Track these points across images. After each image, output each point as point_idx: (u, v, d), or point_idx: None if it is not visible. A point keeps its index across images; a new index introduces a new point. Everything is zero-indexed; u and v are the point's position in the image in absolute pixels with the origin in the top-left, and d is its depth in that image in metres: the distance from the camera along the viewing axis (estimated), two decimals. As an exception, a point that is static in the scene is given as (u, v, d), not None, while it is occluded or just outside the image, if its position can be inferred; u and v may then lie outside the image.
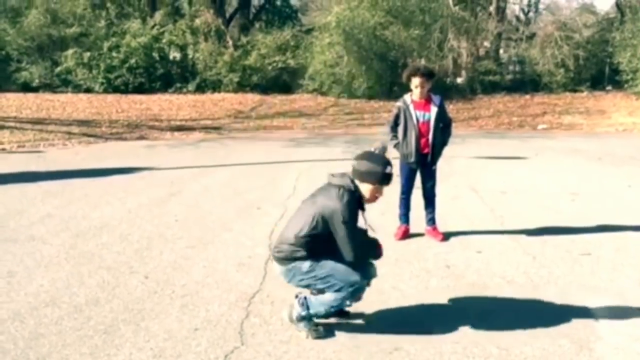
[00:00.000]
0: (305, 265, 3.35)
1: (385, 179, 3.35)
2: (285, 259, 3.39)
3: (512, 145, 12.19)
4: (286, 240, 3.39)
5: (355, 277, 3.32)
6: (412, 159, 5.21)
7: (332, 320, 3.57)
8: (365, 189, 3.37)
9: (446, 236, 5.36)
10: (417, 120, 5.15)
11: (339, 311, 3.54)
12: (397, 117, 5.23)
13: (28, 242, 5.30)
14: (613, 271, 4.49)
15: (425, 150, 5.23)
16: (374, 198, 3.42)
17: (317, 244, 3.33)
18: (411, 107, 5.15)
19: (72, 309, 3.82)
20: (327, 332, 3.45)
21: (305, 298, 3.43)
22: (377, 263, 3.61)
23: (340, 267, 3.33)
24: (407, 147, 5.21)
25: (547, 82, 21.03)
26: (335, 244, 3.31)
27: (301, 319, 3.43)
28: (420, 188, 5.45)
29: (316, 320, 3.47)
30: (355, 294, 3.36)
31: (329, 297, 3.36)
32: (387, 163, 3.35)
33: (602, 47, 21.55)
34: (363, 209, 3.45)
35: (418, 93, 5.12)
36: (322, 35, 20.63)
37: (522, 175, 8.72)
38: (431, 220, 5.44)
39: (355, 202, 3.34)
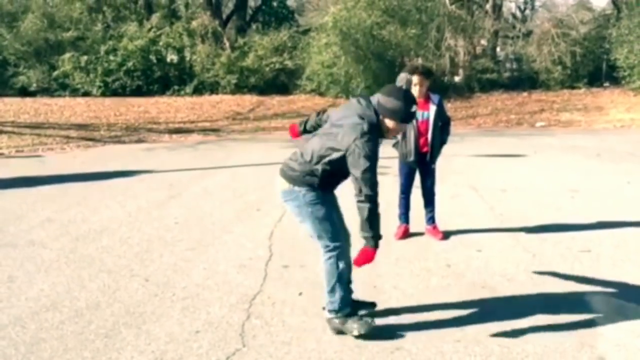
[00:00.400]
0: (310, 195, 3.33)
1: (409, 117, 3.34)
2: (293, 179, 3.37)
3: (510, 143, 12.20)
4: (301, 160, 3.37)
5: (340, 241, 3.40)
6: (412, 158, 5.21)
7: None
8: (387, 123, 3.29)
9: (446, 235, 5.37)
10: (416, 120, 5.15)
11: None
12: None
13: (28, 247, 5.29)
14: (613, 268, 4.50)
15: (424, 149, 5.23)
16: (395, 133, 3.41)
17: (330, 177, 3.33)
18: None
19: (73, 313, 3.82)
20: (373, 320, 3.46)
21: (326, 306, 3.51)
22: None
23: (337, 222, 3.41)
24: (406, 146, 5.21)
25: (545, 79, 21.05)
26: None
27: (339, 318, 3.45)
28: (419, 187, 5.44)
29: (360, 313, 3.52)
30: (340, 258, 3.40)
31: (327, 271, 3.42)
32: (413, 102, 3.30)
33: (599, 43, 21.57)
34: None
35: (417, 92, 5.11)
36: (319, 35, 20.62)
37: (522, 172, 8.73)
38: (431, 219, 5.45)
39: (377, 136, 3.24)
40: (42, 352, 3.30)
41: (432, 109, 5.18)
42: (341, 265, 3.41)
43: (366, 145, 3.12)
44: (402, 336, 3.40)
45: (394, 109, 3.24)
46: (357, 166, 3.13)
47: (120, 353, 3.28)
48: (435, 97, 5.24)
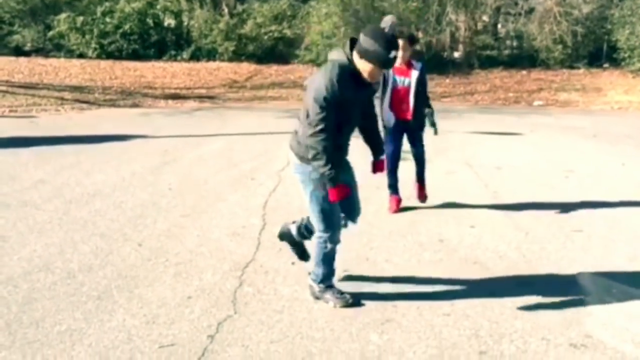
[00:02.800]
0: (315, 174, 3.27)
1: (388, 63, 3.13)
2: (300, 156, 3.34)
3: (507, 121, 12.17)
4: (299, 130, 3.31)
5: (331, 231, 3.39)
6: (391, 124, 5.18)
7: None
8: (365, 66, 3.11)
9: (426, 197, 5.47)
10: (396, 85, 5.13)
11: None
12: (383, 79, 5.11)
13: (21, 208, 5.27)
14: (604, 248, 4.53)
15: (408, 116, 5.20)
16: (372, 78, 3.18)
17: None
18: (391, 72, 5.09)
19: (66, 275, 3.82)
20: (354, 300, 3.47)
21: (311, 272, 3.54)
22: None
23: (335, 210, 3.37)
24: (386, 112, 5.18)
25: (545, 58, 20.89)
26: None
27: (320, 288, 3.49)
28: (405, 160, 5.44)
29: (339, 288, 3.53)
30: (330, 242, 3.42)
31: (316, 248, 3.47)
32: (394, 47, 3.08)
33: (601, 24, 21.36)
34: (365, 85, 3.23)
35: (399, 57, 5.04)
36: (319, 5, 20.37)
37: (517, 151, 8.72)
38: (421, 180, 5.48)
39: (345, 78, 3.10)
40: (34, 312, 3.31)
41: (414, 74, 5.14)
42: (329, 246, 3.44)
43: (323, 87, 3.06)
44: (392, 308, 3.43)
45: (374, 52, 3.05)
46: (309, 95, 3.12)
47: (112, 315, 3.30)
48: (417, 64, 5.20)
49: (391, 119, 5.19)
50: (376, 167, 3.64)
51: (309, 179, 3.32)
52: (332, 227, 3.41)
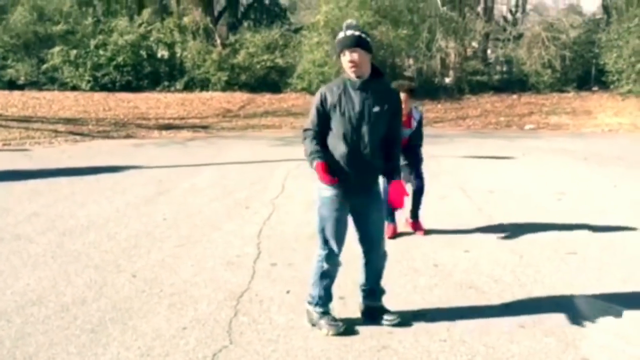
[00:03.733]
0: (318, 186, 3.43)
1: (343, 40, 3.32)
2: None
3: (499, 145, 12.26)
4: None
5: (328, 249, 3.44)
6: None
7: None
8: (342, 61, 3.38)
9: (427, 232, 5.48)
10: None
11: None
12: None
13: (14, 241, 5.25)
14: (599, 270, 4.54)
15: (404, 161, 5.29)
16: (349, 67, 3.32)
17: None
18: None
19: (59, 308, 3.80)
20: (347, 328, 3.45)
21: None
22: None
23: (335, 228, 3.42)
24: None
25: (534, 82, 21.16)
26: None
27: (316, 312, 3.51)
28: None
29: (334, 315, 3.54)
30: (326, 261, 3.46)
31: (313, 266, 3.54)
32: (348, 27, 3.33)
33: (589, 47, 21.70)
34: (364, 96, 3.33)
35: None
36: (310, 34, 20.61)
37: (510, 174, 8.78)
38: (415, 215, 5.52)
39: (333, 87, 3.39)
40: (28, 347, 3.28)
41: (414, 125, 5.30)
42: (325, 266, 3.46)
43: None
44: (389, 335, 3.41)
45: (336, 41, 3.39)
46: None
47: (106, 349, 3.27)
48: (417, 114, 5.36)
49: None
50: (390, 192, 3.56)
51: (316, 191, 3.45)
52: (329, 246, 3.44)
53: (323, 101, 3.36)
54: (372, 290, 3.63)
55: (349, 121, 3.30)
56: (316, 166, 3.32)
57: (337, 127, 3.34)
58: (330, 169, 3.32)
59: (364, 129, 3.32)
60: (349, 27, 3.33)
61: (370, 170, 3.43)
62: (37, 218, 6.05)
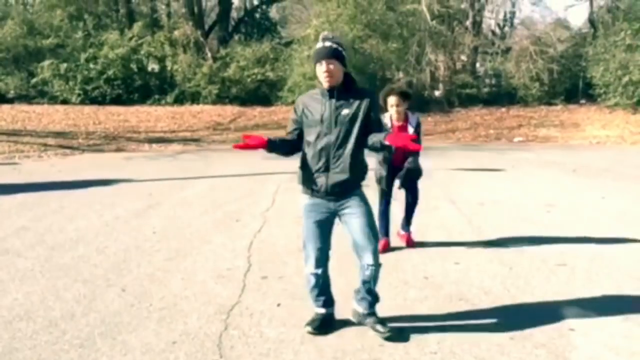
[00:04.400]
0: (302, 199, 3.58)
1: (318, 52, 3.39)
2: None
3: (489, 158, 12.34)
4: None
5: (307, 260, 3.59)
6: (384, 185, 5.27)
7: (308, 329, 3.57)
8: (316, 71, 3.44)
9: (417, 244, 5.46)
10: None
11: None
12: None
13: (2, 255, 5.21)
14: (588, 281, 4.56)
15: (401, 163, 5.29)
16: (324, 77, 3.37)
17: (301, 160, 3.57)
18: (390, 130, 5.14)
19: (47, 323, 3.76)
20: (317, 329, 3.58)
21: None
22: (355, 275, 3.62)
23: (312, 240, 3.55)
24: (380, 169, 5.26)
25: (523, 95, 21.38)
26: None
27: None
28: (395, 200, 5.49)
29: (318, 316, 3.69)
30: (307, 266, 3.61)
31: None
32: (325, 38, 3.41)
33: (576, 61, 21.98)
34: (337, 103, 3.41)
35: (394, 113, 5.16)
36: (301, 48, 20.75)
37: (499, 187, 8.83)
38: (407, 227, 5.52)
39: (307, 98, 3.52)
40: (15, 363, 3.24)
41: (410, 130, 5.23)
42: (306, 271, 3.64)
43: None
44: (379, 348, 3.41)
45: (314, 52, 3.47)
46: None
47: (95, 364, 3.24)
48: (413, 119, 5.28)
49: (383, 171, 5.27)
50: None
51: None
52: (306, 252, 3.59)
53: (296, 108, 3.53)
54: (363, 297, 3.65)
55: (320, 126, 3.39)
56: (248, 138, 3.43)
57: (309, 133, 3.45)
58: (305, 177, 3.50)
59: (336, 134, 3.37)
60: (326, 39, 3.41)
61: (346, 176, 3.39)
62: (25, 232, 6.01)
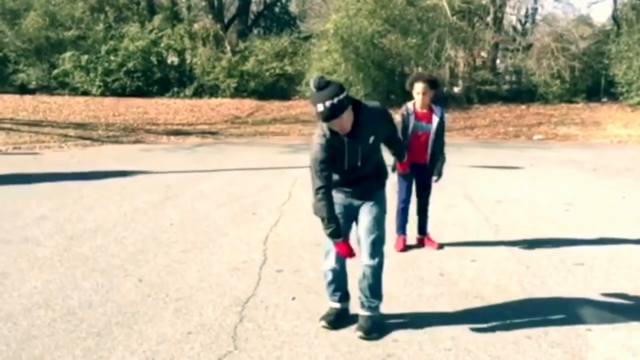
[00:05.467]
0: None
1: (322, 117, 3.19)
2: None
3: (507, 155, 12.24)
4: None
5: (327, 247, 3.56)
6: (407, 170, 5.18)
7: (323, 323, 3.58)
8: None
9: (441, 245, 5.37)
10: (417, 130, 5.12)
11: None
12: (403, 122, 5.10)
13: (22, 244, 5.29)
14: (606, 281, 4.51)
15: (423, 160, 5.20)
16: (339, 129, 3.24)
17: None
18: (412, 117, 5.11)
19: (66, 312, 3.81)
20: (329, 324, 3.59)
21: None
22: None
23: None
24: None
25: (543, 92, 21.12)
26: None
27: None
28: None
29: (332, 312, 3.69)
30: (325, 261, 3.63)
31: None
32: (319, 100, 3.14)
33: (598, 59, 21.67)
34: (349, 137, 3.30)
35: (420, 100, 5.06)
36: (320, 42, 20.69)
37: (517, 184, 8.75)
38: (424, 229, 5.44)
39: (323, 143, 3.27)
40: (33, 349, 3.30)
41: (435, 120, 5.12)
42: (324, 266, 3.65)
43: (311, 155, 3.33)
44: (393, 343, 3.41)
45: (312, 101, 3.23)
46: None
47: (112, 352, 3.28)
48: (437, 110, 5.18)
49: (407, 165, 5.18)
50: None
51: None
52: (326, 251, 3.62)
53: (324, 136, 3.30)
54: (359, 296, 3.58)
55: (343, 161, 3.36)
56: (342, 247, 3.38)
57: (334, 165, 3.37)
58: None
59: (360, 163, 3.40)
60: (319, 87, 3.17)
61: (371, 184, 3.54)
62: (45, 221, 6.09)
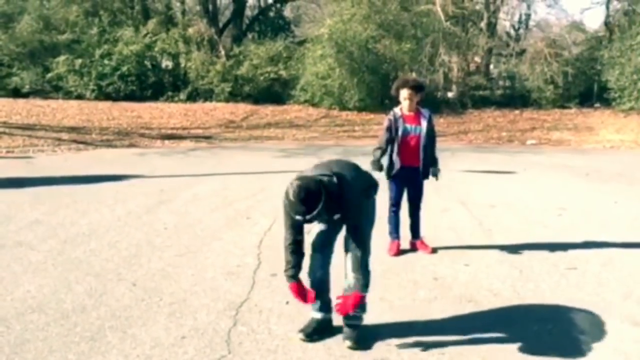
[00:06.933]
0: None
1: (298, 220, 3.20)
2: None
3: (501, 160, 12.29)
4: None
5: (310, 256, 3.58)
6: (397, 170, 5.20)
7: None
8: None
9: (434, 249, 5.39)
10: (407, 133, 5.16)
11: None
12: (389, 129, 5.20)
13: (15, 248, 5.27)
14: (599, 286, 4.54)
15: (416, 163, 5.24)
16: None
17: None
18: (400, 121, 5.16)
19: (59, 315, 3.80)
20: (307, 336, 3.52)
21: None
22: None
23: (318, 240, 3.60)
24: (393, 159, 5.21)
25: (537, 98, 21.23)
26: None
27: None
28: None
29: (314, 320, 3.64)
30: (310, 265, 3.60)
31: None
32: (299, 213, 3.13)
33: (591, 64, 21.80)
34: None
35: (407, 105, 5.14)
36: (314, 47, 20.73)
37: (511, 189, 8.79)
38: (417, 234, 5.46)
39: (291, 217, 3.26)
40: (26, 354, 3.29)
41: (424, 123, 5.19)
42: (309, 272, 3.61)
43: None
44: (387, 347, 3.42)
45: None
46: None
47: (105, 356, 3.28)
48: (425, 112, 5.26)
49: (397, 164, 5.21)
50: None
51: None
52: (313, 251, 3.61)
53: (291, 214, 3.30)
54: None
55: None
56: (289, 285, 3.44)
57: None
58: None
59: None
60: (299, 199, 3.11)
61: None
62: (38, 225, 6.07)
